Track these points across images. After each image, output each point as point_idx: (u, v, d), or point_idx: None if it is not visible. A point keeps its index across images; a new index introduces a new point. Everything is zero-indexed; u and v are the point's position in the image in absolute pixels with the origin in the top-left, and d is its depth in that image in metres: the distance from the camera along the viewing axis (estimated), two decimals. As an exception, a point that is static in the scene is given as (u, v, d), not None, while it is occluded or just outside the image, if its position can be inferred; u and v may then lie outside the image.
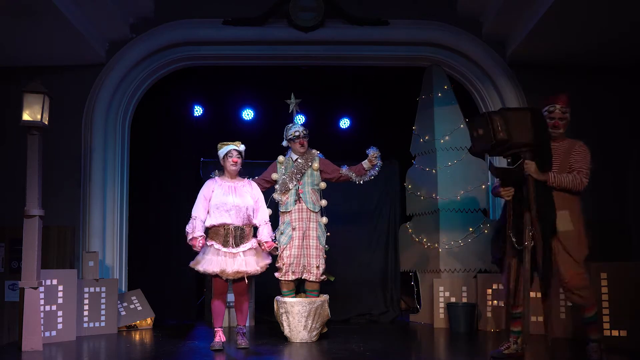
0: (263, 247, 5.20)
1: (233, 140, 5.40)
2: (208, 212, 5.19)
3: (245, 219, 5.17)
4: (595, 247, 4.59)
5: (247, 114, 8.52)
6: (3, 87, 6.65)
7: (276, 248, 5.54)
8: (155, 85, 7.24)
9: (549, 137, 4.50)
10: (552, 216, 4.39)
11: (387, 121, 8.29)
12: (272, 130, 8.00)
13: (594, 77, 6.85)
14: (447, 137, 6.91)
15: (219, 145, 5.36)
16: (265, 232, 5.24)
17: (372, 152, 5.66)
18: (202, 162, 7.52)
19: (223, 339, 5.21)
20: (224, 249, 5.10)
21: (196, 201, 5.25)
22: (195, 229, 5.12)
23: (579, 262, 4.44)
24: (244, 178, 5.39)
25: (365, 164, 5.70)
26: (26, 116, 5.20)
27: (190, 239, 5.12)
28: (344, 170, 5.76)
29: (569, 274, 4.41)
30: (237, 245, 5.11)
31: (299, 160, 5.73)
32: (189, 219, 5.19)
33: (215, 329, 5.24)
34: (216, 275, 5.15)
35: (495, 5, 6.33)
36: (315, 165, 5.75)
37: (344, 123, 8.76)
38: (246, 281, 5.11)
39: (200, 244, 5.09)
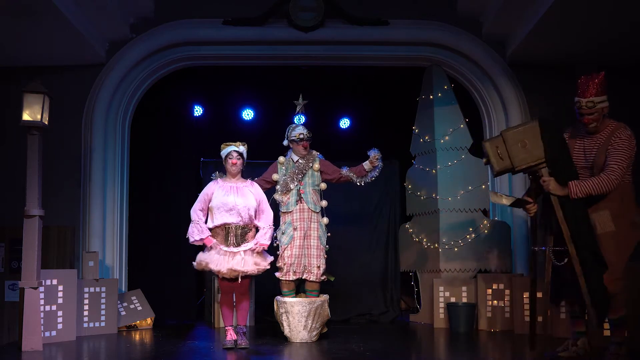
0: (256, 246, 5.18)
1: (235, 140, 5.40)
2: (210, 213, 5.20)
3: (247, 218, 5.17)
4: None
5: (247, 114, 8.53)
6: (3, 87, 6.65)
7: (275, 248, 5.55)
8: (155, 85, 7.23)
9: (564, 146, 4.26)
10: (583, 227, 4.14)
11: (387, 121, 8.29)
12: (272, 130, 8.00)
13: (593, 77, 6.84)
14: (447, 137, 6.91)
15: (221, 146, 5.36)
16: (264, 235, 5.23)
17: (374, 154, 5.66)
18: (202, 162, 7.52)
19: (234, 337, 5.23)
20: (225, 248, 5.11)
21: (195, 203, 5.27)
22: (202, 231, 5.15)
23: (615, 267, 4.14)
24: (246, 179, 5.39)
25: (366, 165, 5.70)
26: (26, 116, 5.19)
27: (200, 240, 5.16)
28: (345, 171, 5.76)
29: (603, 279, 4.13)
30: (238, 244, 5.12)
31: (300, 161, 5.73)
32: (190, 221, 5.23)
33: (226, 328, 5.28)
34: (218, 275, 5.18)
35: (495, 5, 6.33)
36: (316, 166, 5.75)
37: (344, 123, 8.77)
38: (239, 280, 5.10)
39: (213, 241, 5.13)
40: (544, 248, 4.39)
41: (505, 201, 4.60)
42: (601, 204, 4.22)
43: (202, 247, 5.31)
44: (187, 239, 5.24)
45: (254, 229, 5.27)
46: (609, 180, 4.12)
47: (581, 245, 4.14)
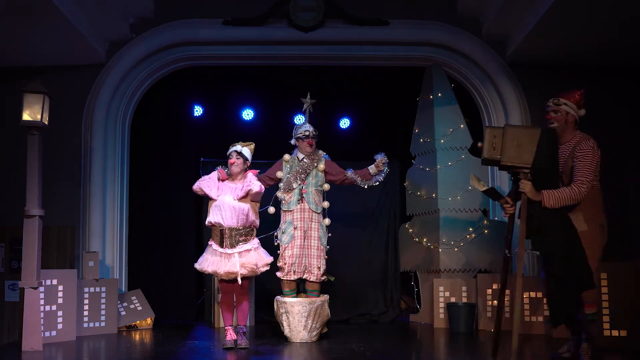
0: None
1: (239, 140, 5.41)
2: (208, 207, 5.22)
3: (242, 220, 5.14)
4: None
5: (247, 114, 8.53)
6: (3, 87, 6.65)
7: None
8: (155, 85, 7.23)
9: (554, 159, 4.38)
10: (556, 230, 4.30)
11: (387, 121, 8.29)
12: (272, 130, 8.02)
13: (593, 77, 6.85)
14: (447, 137, 6.91)
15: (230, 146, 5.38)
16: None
17: (380, 158, 5.65)
18: (202, 162, 7.51)
19: (234, 337, 5.24)
20: (220, 250, 5.12)
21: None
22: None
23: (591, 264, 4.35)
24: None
25: (372, 169, 5.69)
26: (26, 116, 5.19)
27: (210, 179, 5.22)
28: (350, 173, 5.75)
29: None
30: (233, 246, 5.11)
31: (305, 160, 5.72)
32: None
33: (226, 328, 5.29)
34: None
35: (495, 5, 6.33)
36: (321, 166, 5.73)
37: (344, 123, 8.77)
38: (239, 282, 5.11)
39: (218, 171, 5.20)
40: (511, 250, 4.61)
41: (481, 187, 4.75)
42: (576, 207, 4.41)
43: (204, 247, 5.32)
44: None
45: (254, 230, 5.27)
46: (579, 191, 4.36)
47: (546, 238, 4.29)
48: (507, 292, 6.14)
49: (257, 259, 5.18)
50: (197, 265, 5.25)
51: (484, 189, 4.71)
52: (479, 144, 4.51)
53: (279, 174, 5.75)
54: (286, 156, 5.81)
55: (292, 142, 5.82)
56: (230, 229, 5.11)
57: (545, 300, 4.83)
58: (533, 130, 4.35)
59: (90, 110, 6.79)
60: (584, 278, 4.29)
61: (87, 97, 6.80)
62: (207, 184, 5.22)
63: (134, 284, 6.87)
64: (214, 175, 5.26)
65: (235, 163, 5.25)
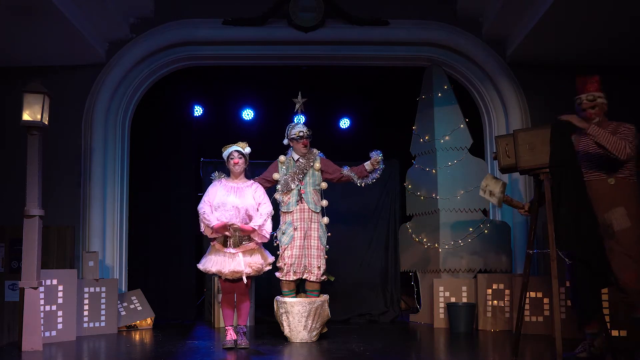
0: (246, 227, 5.10)
1: (235, 140, 5.40)
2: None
3: (245, 219, 5.16)
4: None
5: (247, 114, 8.54)
6: (3, 87, 6.65)
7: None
8: (156, 85, 7.24)
9: (571, 151, 4.28)
10: (584, 230, 4.17)
11: (387, 121, 8.30)
12: (272, 130, 8.00)
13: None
14: (447, 137, 6.91)
15: (222, 148, 5.36)
16: (256, 219, 5.14)
17: (375, 156, 5.64)
18: (202, 162, 7.52)
19: (234, 337, 5.24)
20: (224, 249, 5.11)
21: (202, 198, 5.26)
22: (209, 220, 5.07)
23: (638, 262, 4.21)
24: (249, 180, 5.37)
25: (367, 165, 5.69)
26: (26, 116, 5.20)
27: (212, 229, 5.08)
28: (346, 170, 5.75)
29: (626, 275, 4.19)
30: (237, 245, 5.12)
31: (301, 161, 5.72)
32: (199, 219, 5.20)
33: (226, 327, 5.30)
34: (220, 276, 5.19)
35: (495, 5, 6.33)
36: (317, 165, 5.73)
37: (344, 123, 8.78)
38: (244, 281, 5.11)
39: (220, 224, 5.05)
40: (536, 251, 4.54)
41: (495, 200, 4.80)
42: (617, 202, 4.30)
43: (204, 246, 5.32)
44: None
45: (253, 229, 5.26)
46: (624, 146, 4.19)
47: (583, 249, 4.19)
48: (507, 292, 6.21)
49: (263, 259, 5.20)
50: (200, 266, 5.24)
51: (498, 202, 4.75)
52: (493, 154, 4.55)
53: (276, 176, 5.74)
54: (281, 157, 5.81)
55: (285, 142, 5.82)
56: (235, 229, 5.11)
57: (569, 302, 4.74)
58: (543, 130, 4.31)
59: (90, 110, 6.79)
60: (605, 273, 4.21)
61: (87, 97, 6.79)
62: (207, 216, 5.13)
63: (134, 284, 6.88)
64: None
65: (239, 163, 5.26)
